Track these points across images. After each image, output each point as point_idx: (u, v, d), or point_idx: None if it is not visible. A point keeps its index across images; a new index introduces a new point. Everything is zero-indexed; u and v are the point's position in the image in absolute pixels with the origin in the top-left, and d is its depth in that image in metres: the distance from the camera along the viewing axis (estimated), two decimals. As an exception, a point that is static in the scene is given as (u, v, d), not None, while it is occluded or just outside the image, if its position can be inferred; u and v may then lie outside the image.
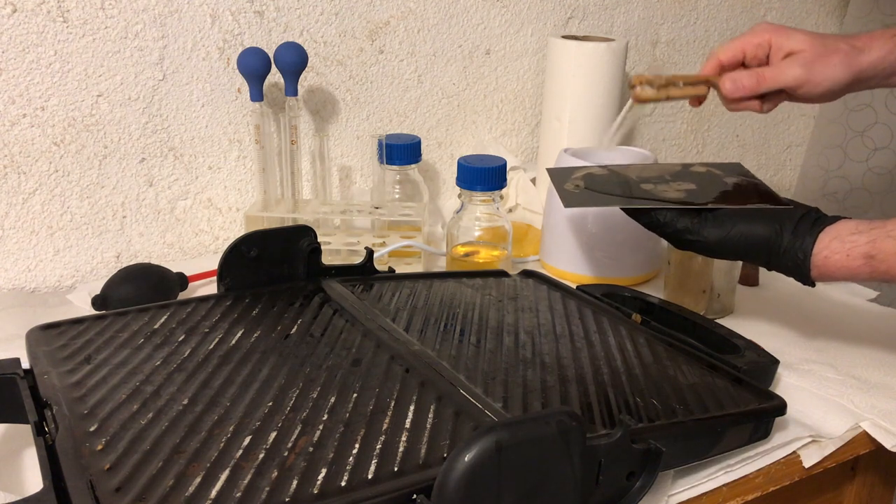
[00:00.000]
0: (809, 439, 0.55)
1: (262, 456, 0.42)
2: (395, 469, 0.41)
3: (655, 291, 0.75)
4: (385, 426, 0.45)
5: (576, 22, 1.04)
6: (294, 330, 0.58)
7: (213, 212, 0.86)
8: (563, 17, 1.03)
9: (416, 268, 0.82)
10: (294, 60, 0.79)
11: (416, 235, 0.81)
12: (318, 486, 0.39)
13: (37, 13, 0.72)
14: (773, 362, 0.60)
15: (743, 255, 0.59)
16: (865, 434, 0.57)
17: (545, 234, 0.85)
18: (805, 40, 0.64)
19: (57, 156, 0.76)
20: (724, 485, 0.51)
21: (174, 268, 0.73)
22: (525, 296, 0.69)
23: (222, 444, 0.43)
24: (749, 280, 0.82)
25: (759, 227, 0.57)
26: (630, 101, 0.69)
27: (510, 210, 0.97)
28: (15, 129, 0.74)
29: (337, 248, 0.81)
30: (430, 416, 0.46)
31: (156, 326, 0.57)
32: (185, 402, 0.47)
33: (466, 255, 0.79)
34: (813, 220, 0.57)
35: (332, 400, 0.48)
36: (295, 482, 0.39)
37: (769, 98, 0.68)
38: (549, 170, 0.70)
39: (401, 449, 0.43)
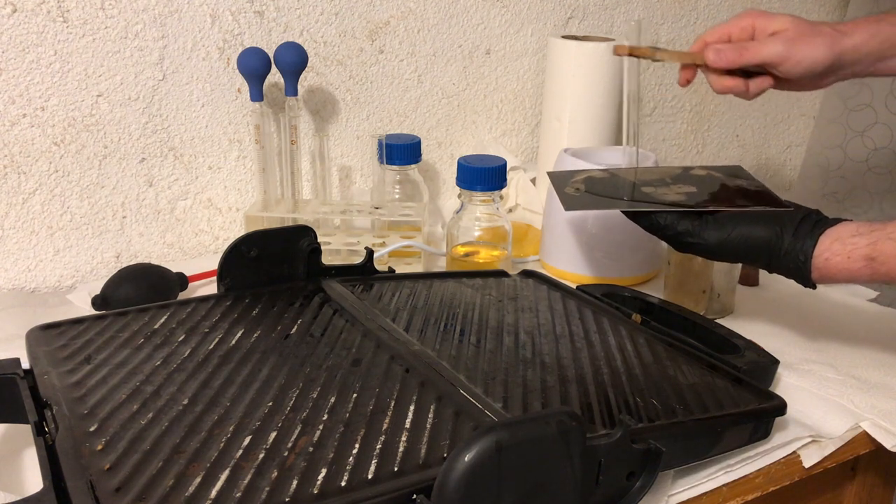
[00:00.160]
0: (809, 439, 0.55)
1: (262, 456, 0.42)
2: (395, 469, 0.41)
3: (655, 291, 0.75)
4: (385, 426, 0.45)
5: (576, 22, 1.04)
6: (294, 330, 0.58)
7: (213, 212, 0.86)
8: (563, 17, 1.03)
9: (416, 268, 0.82)
10: (294, 60, 0.79)
11: (416, 235, 0.81)
12: (318, 486, 0.39)
13: (37, 13, 0.72)
14: (773, 362, 0.60)
15: (743, 257, 0.59)
16: (865, 434, 0.57)
17: (545, 235, 0.85)
18: (789, 21, 0.65)
19: (57, 156, 0.76)
20: (724, 485, 0.51)
21: (174, 268, 0.73)
22: (525, 296, 0.69)
23: (222, 444, 0.43)
24: (749, 280, 0.82)
25: (760, 230, 0.57)
26: (626, 100, 0.68)
27: (510, 210, 0.97)
28: (15, 129, 0.74)
29: (337, 248, 0.81)
30: (430, 416, 0.46)
31: (156, 326, 0.57)
32: (185, 402, 0.47)
33: (466, 255, 0.79)
34: (814, 223, 0.57)
35: (332, 400, 0.48)
36: (295, 482, 0.39)
37: (755, 81, 0.68)
38: (549, 173, 0.70)
39: (401, 449, 0.43)
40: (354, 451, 0.42)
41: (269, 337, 0.56)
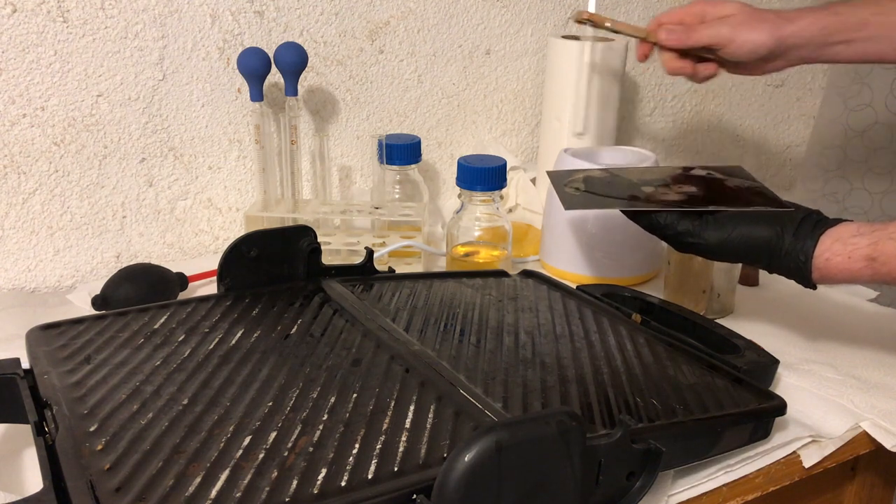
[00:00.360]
0: (809, 439, 0.55)
1: (262, 456, 0.42)
2: (395, 469, 0.41)
3: (655, 291, 0.75)
4: (385, 426, 0.45)
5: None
6: (294, 330, 0.58)
7: (213, 212, 0.86)
8: (563, 17, 1.03)
9: (416, 268, 0.82)
10: (294, 60, 0.79)
11: (416, 235, 0.81)
12: (318, 486, 0.39)
13: (37, 13, 0.72)
14: (773, 362, 0.60)
15: (744, 257, 0.59)
16: (865, 434, 0.57)
17: (545, 235, 0.85)
18: (736, 7, 0.70)
19: (57, 156, 0.76)
20: (724, 485, 0.51)
21: (174, 268, 0.73)
22: (525, 296, 0.69)
23: (222, 444, 0.43)
24: (749, 280, 0.82)
25: (760, 230, 0.57)
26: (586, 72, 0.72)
27: (510, 210, 0.97)
28: (15, 129, 0.74)
29: (337, 248, 0.81)
30: (430, 416, 0.46)
31: (156, 326, 0.57)
32: (185, 402, 0.47)
33: (466, 255, 0.79)
34: (814, 223, 0.57)
35: (332, 400, 0.48)
36: (295, 482, 0.39)
37: (702, 66, 0.72)
38: (549, 172, 0.70)
39: (401, 449, 0.43)
40: (354, 451, 0.42)
41: (269, 337, 0.56)
